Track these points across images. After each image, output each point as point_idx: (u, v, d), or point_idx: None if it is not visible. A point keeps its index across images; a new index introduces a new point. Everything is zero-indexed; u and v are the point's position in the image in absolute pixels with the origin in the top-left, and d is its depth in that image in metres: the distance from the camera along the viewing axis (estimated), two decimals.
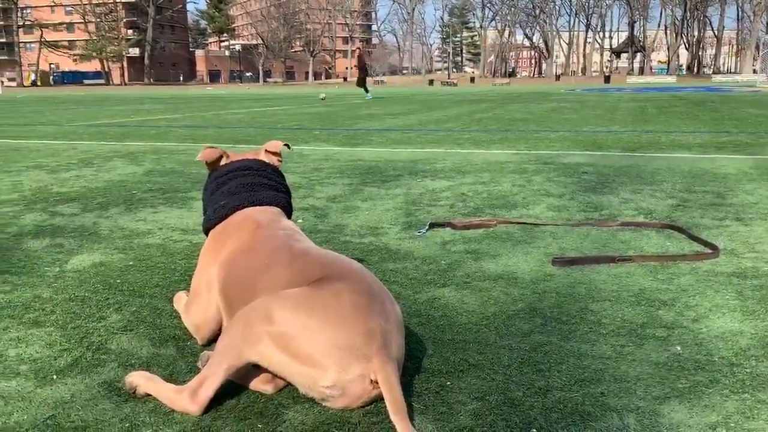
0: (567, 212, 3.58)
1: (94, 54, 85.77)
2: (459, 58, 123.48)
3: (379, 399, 1.43)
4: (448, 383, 1.62)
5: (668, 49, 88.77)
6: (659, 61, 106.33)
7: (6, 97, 32.29)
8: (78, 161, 6.08)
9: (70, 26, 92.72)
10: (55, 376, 1.67)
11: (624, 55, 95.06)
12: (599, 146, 6.83)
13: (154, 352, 1.81)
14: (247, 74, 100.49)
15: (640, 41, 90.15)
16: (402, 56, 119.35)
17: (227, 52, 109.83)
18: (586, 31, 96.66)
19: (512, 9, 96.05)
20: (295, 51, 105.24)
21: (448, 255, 2.75)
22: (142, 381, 1.54)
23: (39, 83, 76.00)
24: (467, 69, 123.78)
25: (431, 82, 70.27)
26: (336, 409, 1.46)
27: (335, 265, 1.60)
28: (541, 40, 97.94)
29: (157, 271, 2.56)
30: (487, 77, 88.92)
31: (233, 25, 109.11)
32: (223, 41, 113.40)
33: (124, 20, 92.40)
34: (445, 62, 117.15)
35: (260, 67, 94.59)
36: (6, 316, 2.09)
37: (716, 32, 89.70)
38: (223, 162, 2.06)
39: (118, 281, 2.44)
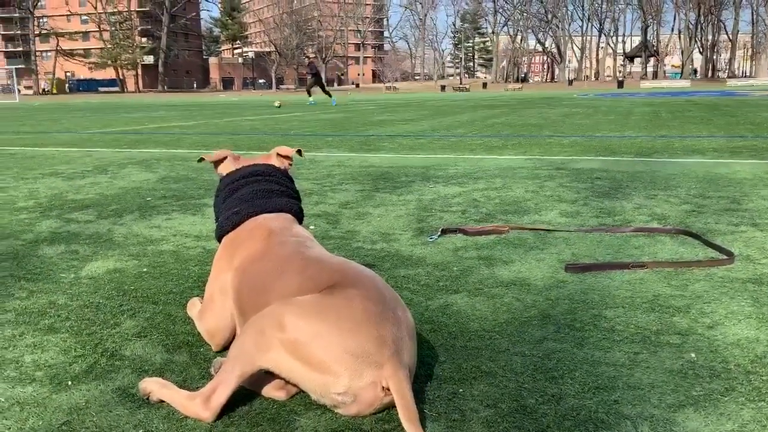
0: (580, 218, 3.57)
1: (109, 62, 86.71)
2: (471, 64, 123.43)
3: (391, 406, 1.43)
4: (461, 390, 1.62)
5: (682, 53, 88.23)
6: (673, 66, 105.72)
7: (23, 105, 32.68)
8: (93, 168, 6.14)
9: (85, 35, 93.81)
10: (70, 382, 1.69)
11: (637, 60, 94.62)
12: (612, 151, 6.79)
13: (167, 359, 1.82)
14: (260, 81, 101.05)
15: (653, 45, 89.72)
16: (414, 62, 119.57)
17: (240, 60, 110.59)
18: (599, 36, 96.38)
19: (524, 14, 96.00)
20: (306, 57, 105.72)
21: (461, 261, 2.74)
22: (155, 387, 1.55)
23: (54, 91, 76.86)
24: (479, 74, 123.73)
25: (443, 87, 70.30)
26: (348, 416, 1.46)
27: (347, 272, 1.60)
28: (553, 45, 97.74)
29: (171, 278, 2.58)
30: (499, 82, 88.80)
31: (246, 33, 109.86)
32: (236, 48, 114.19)
33: (139, 28, 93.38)
34: (457, 68, 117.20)
35: (273, 74, 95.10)
36: (22, 323, 2.11)
37: (730, 36, 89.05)
38: (233, 167, 2.06)
39: (132, 288, 2.46)
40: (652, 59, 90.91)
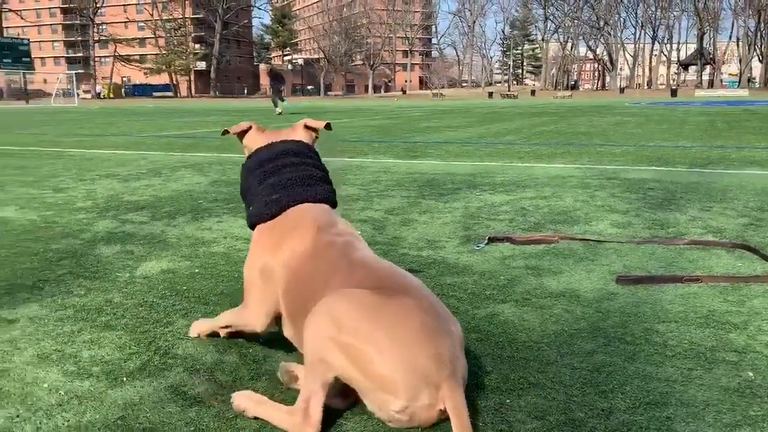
0: (632, 229, 3.49)
1: (164, 67, 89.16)
2: (519, 71, 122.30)
3: (445, 420, 1.41)
4: (508, 401, 1.60)
5: (740, 61, 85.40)
6: (730, 74, 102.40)
7: (82, 108, 33.89)
8: (147, 171, 6.33)
9: (141, 41, 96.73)
10: (125, 378, 1.74)
11: (692, 68, 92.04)
12: (666, 161, 6.62)
13: (218, 359, 1.86)
14: (308, 87, 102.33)
15: (709, 53, 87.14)
16: (461, 69, 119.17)
17: (289, 66, 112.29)
18: (653, 43, 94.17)
19: (575, 21, 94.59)
20: (355, 64, 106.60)
21: (508, 270, 2.72)
22: (250, 405, 1.53)
23: (111, 95, 79.44)
24: (528, 81, 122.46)
25: (491, 94, 69.84)
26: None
27: (396, 281, 1.57)
28: (604, 53, 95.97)
29: (222, 279, 2.63)
30: (548, 90, 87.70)
31: (296, 40, 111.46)
32: (286, 55, 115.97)
33: (192, 35, 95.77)
34: (506, 74, 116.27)
35: (321, 81, 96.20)
36: (81, 319, 2.19)
37: None
38: (262, 141, 1.94)
39: (184, 288, 2.52)
40: (707, 67, 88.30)
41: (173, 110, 28.38)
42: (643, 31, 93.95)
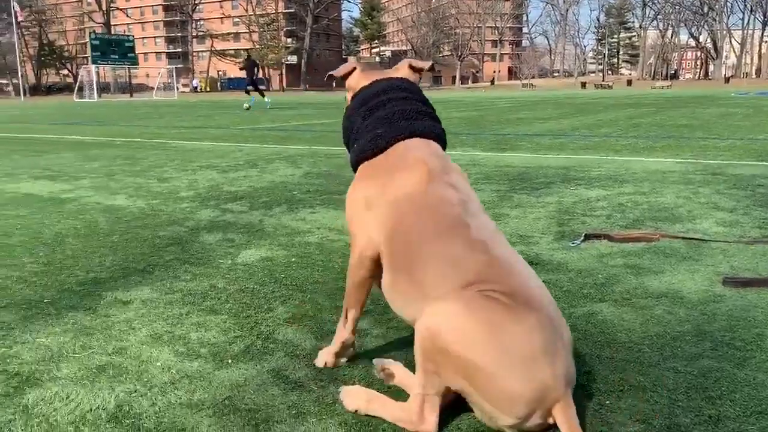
0: (740, 228, 3.30)
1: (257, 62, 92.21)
2: (615, 60, 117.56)
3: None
4: (608, 402, 1.57)
5: None
6: None
7: (181, 102, 35.58)
8: (244, 162, 6.57)
9: (236, 36, 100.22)
10: (230, 361, 1.83)
11: None
12: None
13: (316, 345, 1.92)
14: None
15: None
16: (553, 58, 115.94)
17: (377, 59, 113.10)
18: (763, 29, 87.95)
19: (677, 7, 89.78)
20: (442, 55, 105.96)
21: (606, 269, 2.64)
22: (363, 404, 1.52)
23: (208, 89, 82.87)
24: (623, 71, 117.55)
25: (584, 84, 67.57)
26: None
27: (518, 283, 1.43)
28: (708, 40, 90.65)
29: (317, 269, 2.71)
30: (645, 80, 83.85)
31: (384, 32, 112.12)
32: (374, 48, 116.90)
33: (284, 29, 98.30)
34: (600, 64, 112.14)
35: None
36: (188, 303, 2.32)
37: None
38: (366, 81, 1.83)
39: (282, 276, 2.62)
40: None
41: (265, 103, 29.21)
42: (752, 15, 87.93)
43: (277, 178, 5.37)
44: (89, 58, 48.73)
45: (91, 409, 1.57)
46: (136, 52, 56.79)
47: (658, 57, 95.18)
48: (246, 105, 20.13)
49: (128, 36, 57.74)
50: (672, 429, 1.44)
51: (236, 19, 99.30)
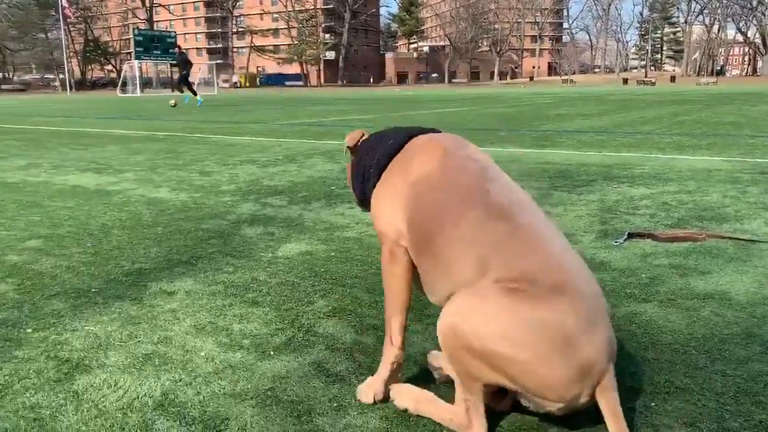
0: None
1: (295, 57, 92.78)
2: (658, 56, 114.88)
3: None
4: (653, 404, 1.54)
5: None
6: None
7: (221, 97, 36.09)
8: (283, 157, 6.64)
9: (275, 32, 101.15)
10: (272, 352, 1.85)
11: None
12: None
13: (356, 339, 1.93)
14: (433, 75, 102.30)
15: None
16: (594, 54, 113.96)
17: (415, 54, 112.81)
18: None
19: (724, 1, 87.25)
20: (481, 51, 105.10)
21: (650, 268, 2.59)
22: (412, 404, 1.51)
23: (247, 84, 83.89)
24: (667, 67, 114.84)
25: (625, 81, 66.23)
26: None
27: (543, 256, 1.37)
28: (757, 35, 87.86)
29: (356, 263, 2.72)
30: (690, 76, 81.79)
31: (422, 28, 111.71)
32: (412, 43, 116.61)
33: (323, 25, 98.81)
34: (643, 60, 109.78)
35: (446, 68, 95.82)
36: (230, 294, 2.36)
37: None
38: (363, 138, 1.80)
39: (322, 270, 2.64)
40: None
41: (304, 99, 29.47)
42: None
43: (316, 173, 5.41)
44: (132, 54, 49.74)
45: (138, 397, 1.61)
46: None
47: (704, 52, 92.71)
48: (172, 102, 19.56)
49: (170, 32, 58.72)
50: None
51: (275, 15, 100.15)
